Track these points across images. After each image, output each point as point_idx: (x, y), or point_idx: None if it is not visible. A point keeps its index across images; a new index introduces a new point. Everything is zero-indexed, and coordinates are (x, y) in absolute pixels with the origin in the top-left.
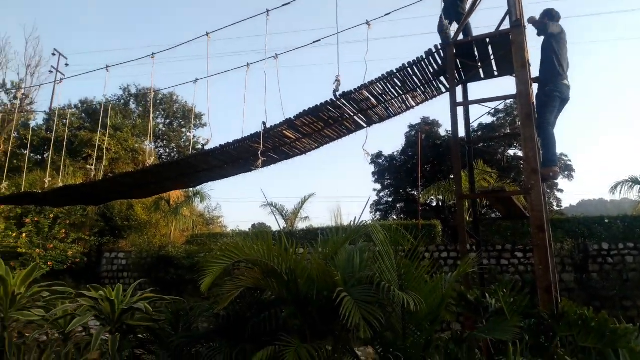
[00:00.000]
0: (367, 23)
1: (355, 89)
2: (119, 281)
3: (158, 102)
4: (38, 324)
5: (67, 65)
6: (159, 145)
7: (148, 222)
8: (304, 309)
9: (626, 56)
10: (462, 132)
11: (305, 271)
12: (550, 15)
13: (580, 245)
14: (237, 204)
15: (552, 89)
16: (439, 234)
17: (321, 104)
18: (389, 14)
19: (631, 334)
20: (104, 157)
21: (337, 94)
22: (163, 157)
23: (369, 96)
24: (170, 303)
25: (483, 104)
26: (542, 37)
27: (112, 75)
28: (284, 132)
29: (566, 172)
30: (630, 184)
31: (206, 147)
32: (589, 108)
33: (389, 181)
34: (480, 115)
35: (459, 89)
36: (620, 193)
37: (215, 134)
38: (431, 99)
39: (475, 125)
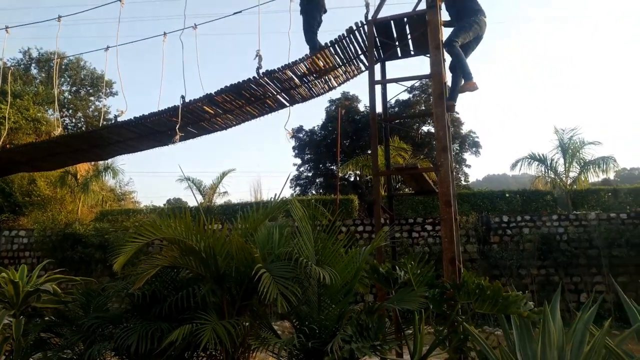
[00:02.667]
0: None
1: (278, 69)
2: (20, 261)
3: (64, 67)
4: None
5: None
6: (65, 115)
7: (52, 198)
8: (222, 286)
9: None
10: (379, 109)
11: (225, 248)
12: None
13: (483, 218)
14: (151, 178)
15: (475, 20)
16: (356, 208)
17: (243, 81)
18: None
19: (521, 301)
20: (4, 127)
21: (261, 71)
22: (69, 127)
23: (293, 76)
24: (81, 284)
25: (400, 82)
26: None
27: (12, 37)
28: (204, 107)
29: (474, 149)
30: (529, 160)
31: (120, 119)
32: (500, 88)
33: (309, 156)
34: (397, 93)
35: (377, 67)
36: (520, 169)
37: (131, 105)
38: (352, 78)
39: (392, 101)
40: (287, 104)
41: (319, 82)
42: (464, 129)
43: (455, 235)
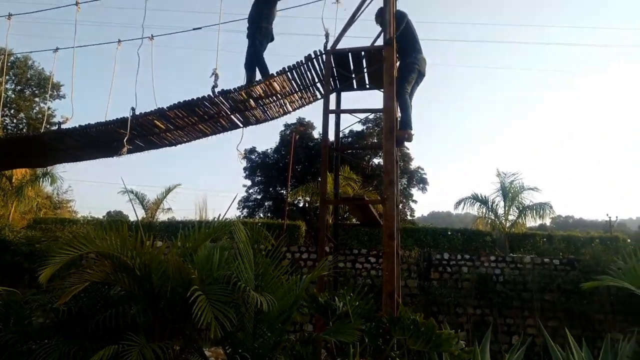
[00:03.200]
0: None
1: (234, 89)
2: None
3: (9, 64)
4: None
5: None
6: (5, 114)
7: None
8: (155, 306)
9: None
10: (332, 137)
11: (161, 267)
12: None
13: (426, 253)
14: (93, 188)
15: (412, 61)
16: (302, 234)
17: (197, 98)
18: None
19: (452, 339)
20: None
21: (216, 90)
22: (9, 127)
23: (248, 98)
24: (2, 294)
25: (353, 114)
26: (400, 19)
27: None
28: (155, 121)
29: (421, 185)
30: (472, 200)
31: (65, 126)
32: (447, 129)
33: (260, 178)
34: (351, 124)
35: (332, 97)
36: (463, 209)
37: (78, 112)
38: (307, 104)
39: (346, 131)
40: (241, 125)
41: (274, 106)
42: (413, 165)
43: (396, 269)
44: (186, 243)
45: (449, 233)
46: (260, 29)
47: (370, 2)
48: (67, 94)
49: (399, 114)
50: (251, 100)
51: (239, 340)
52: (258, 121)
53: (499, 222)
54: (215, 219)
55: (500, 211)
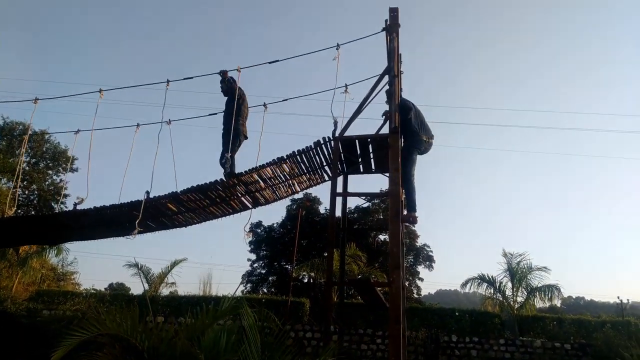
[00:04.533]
0: (264, 105)
1: (245, 171)
2: None
3: (21, 138)
4: None
5: None
6: (18, 186)
7: None
8: None
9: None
10: (338, 215)
11: (169, 351)
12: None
13: (433, 335)
14: (94, 259)
15: (411, 145)
16: (307, 312)
17: (210, 182)
18: (286, 100)
19: None
20: None
21: (228, 174)
22: (20, 198)
23: (258, 179)
24: None
25: (360, 197)
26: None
27: None
28: (168, 204)
29: (427, 262)
30: (479, 281)
31: (79, 207)
32: (453, 205)
33: (265, 252)
34: (360, 204)
35: (340, 179)
36: (470, 288)
37: (92, 192)
38: (315, 185)
39: (352, 207)
40: (250, 206)
41: (283, 186)
42: (419, 242)
43: (402, 352)
44: (194, 324)
45: (457, 314)
46: (227, 129)
47: (375, 96)
48: (79, 167)
49: (404, 196)
50: (261, 181)
51: None
52: (267, 201)
53: (507, 303)
54: (223, 298)
55: (508, 292)
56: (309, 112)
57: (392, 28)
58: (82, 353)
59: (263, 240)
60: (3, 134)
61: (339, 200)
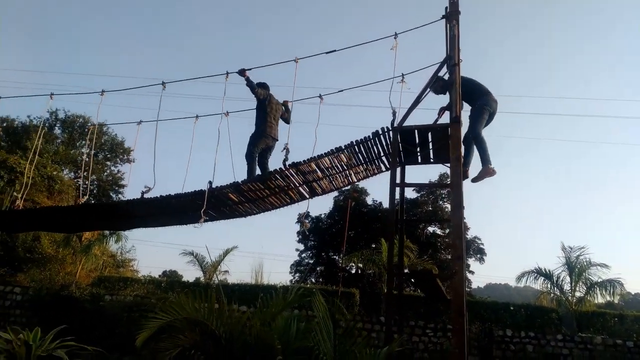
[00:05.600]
0: (320, 97)
1: (304, 161)
2: (9, 319)
3: (86, 130)
4: None
5: None
6: (79, 176)
7: (54, 257)
8: None
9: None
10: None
11: (243, 335)
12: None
13: (487, 329)
14: (149, 246)
15: (483, 104)
16: (357, 302)
17: (269, 172)
18: (342, 91)
19: None
20: (23, 181)
21: (287, 163)
22: (81, 188)
23: (316, 169)
24: (92, 354)
25: (420, 187)
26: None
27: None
28: (229, 194)
29: (478, 255)
30: (535, 274)
31: (146, 195)
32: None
33: (313, 243)
34: (411, 196)
35: (397, 170)
36: (526, 282)
37: (149, 180)
38: (371, 176)
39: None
40: (307, 196)
41: (339, 176)
42: (470, 234)
43: (466, 345)
44: (266, 311)
45: (511, 308)
46: (254, 131)
47: (434, 84)
48: (136, 159)
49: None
50: (318, 171)
51: None
52: (324, 191)
53: (565, 298)
54: (292, 287)
55: (566, 287)
56: (363, 102)
57: (452, 15)
58: (163, 335)
59: (310, 231)
60: (65, 126)
61: (396, 191)
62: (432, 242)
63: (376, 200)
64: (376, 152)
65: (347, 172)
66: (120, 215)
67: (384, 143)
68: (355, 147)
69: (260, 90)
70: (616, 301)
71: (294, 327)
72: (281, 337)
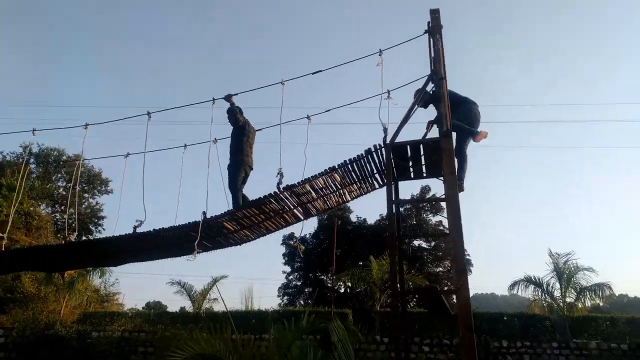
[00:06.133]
0: (308, 117)
1: (298, 182)
2: None
3: (61, 163)
4: None
5: None
6: (56, 211)
7: (36, 296)
8: None
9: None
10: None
11: None
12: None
13: (482, 341)
14: (130, 278)
15: (462, 116)
16: (351, 322)
17: (264, 196)
18: (329, 110)
19: None
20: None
21: (281, 186)
22: (59, 223)
23: (310, 190)
24: None
25: (418, 203)
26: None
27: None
28: (224, 223)
29: (466, 267)
30: (526, 283)
31: (138, 229)
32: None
33: (299, 264)
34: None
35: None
36: (515, 291)
37: (136, 212)
38: (365, 194)
39: (383, 214)
40: (302, 218)
41: (334, 196)
42: None
43: None
44: (278, 339)
45: (505, 318)
46: (233, 160)
47: (422, 99)
48: (114, 189)
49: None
50: (313, 192)
51: None
52: (318, 212)
53: (556, 305)
54: (304, 313)
55: (557, 293)
56: (352, 119)
57: (435, 30)
58: None
59: (296, 252)
60: (39, 160)
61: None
62: (419, 256)
63: (360, 217)
64: (369, 169)
65: (341, 191)
66: (113, 251)
67: (377, 160)
68: (349, 165)
69: (240, 116)
70: (601, 304)
71: (310, 355)
72: None
